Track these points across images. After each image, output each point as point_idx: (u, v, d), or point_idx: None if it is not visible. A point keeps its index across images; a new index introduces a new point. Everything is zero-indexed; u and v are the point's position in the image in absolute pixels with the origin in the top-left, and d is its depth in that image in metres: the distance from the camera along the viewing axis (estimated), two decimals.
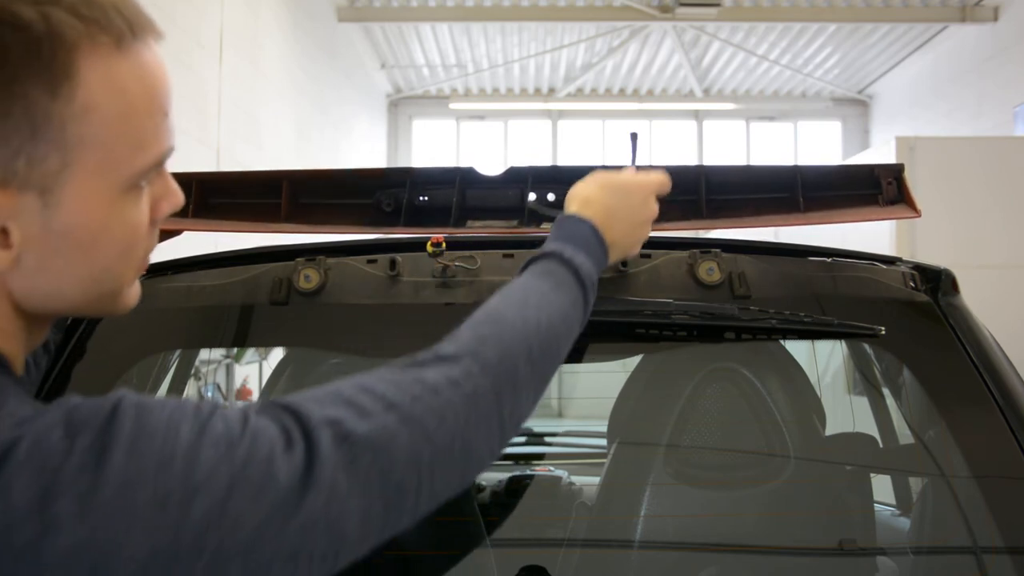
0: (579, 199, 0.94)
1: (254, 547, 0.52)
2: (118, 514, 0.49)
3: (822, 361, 1.47)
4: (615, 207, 0.94)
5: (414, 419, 0.61)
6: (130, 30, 0.58)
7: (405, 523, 0.62)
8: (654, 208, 0.98)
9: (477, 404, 0.65)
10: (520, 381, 0.70)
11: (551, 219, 1.17)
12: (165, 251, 1.29)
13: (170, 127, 0.63)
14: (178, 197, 0.68)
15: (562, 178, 1.20)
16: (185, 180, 1.22)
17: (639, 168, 1.03)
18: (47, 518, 0.48)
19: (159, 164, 0.63)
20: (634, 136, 1.14)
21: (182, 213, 1.21)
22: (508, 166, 1.21)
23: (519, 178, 1.21)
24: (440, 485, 0.63)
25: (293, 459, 0.55)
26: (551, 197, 1.20)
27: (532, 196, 1.21)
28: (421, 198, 1.21)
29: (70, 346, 1.15)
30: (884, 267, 1.23)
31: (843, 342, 1.40)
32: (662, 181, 0.99)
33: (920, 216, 1.17)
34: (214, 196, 1.24)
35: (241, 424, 0.55)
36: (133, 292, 0.67)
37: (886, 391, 1.47)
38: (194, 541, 0.50)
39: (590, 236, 0.90)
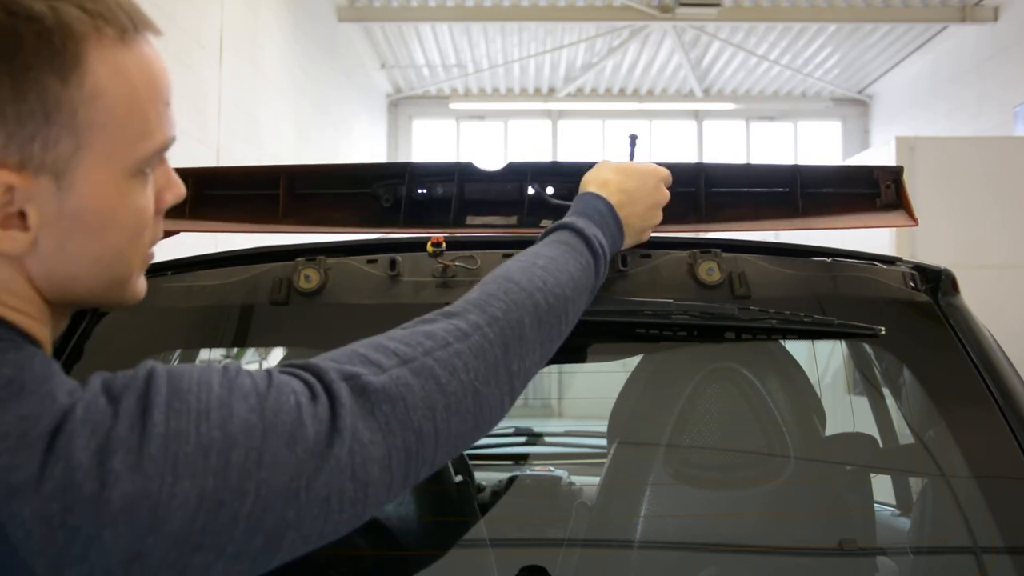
0: (596, 181, 0.99)
1: (292, 492, 0.57)
2: (166, 465, 0.53)
3: (822, 361, 1.47)
4: (631, 189, 0.99)
5: (426, 370, 0.66)
6: (132, 24, 0.62)
7: (426, 471, 0.67)
8: (666, 194, 1.04)
9: (484, 355, 0.70)
10: (527, 336, 0.74)
11: (555, 210, 1.17)
12: (165, 251, 1.29)
13: (171, 117, 0.67)
14: (180, 188, 0.71)
15: (561, 173, 1.20)
16: (182, 175, 1.22)
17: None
18: (105, 472, 0.52)
19: (162, 150, 0.66)
20: (633, 137, 1.16)
21: (179, 210, 1.21)
22: (507, 161, 1.21)
23: (518, 173, 1.21)
24: (456, 434, 0.67)
25: (318, 410, 0.60)
26: (550, 190, 1.20)
27: (531, 190, 1.21)
28: (420, 190, 1.21)
29: (69, 347, 1.15)
30: (884, 267, 1.23)
31: (843, 342, 1.40)
32: (667, 173, 1.06)
33: (917, 225, 1.17)
34: (212, 191, 1.24)
35: (266, 380, 0.60)
36: (141, 283, 0.70)
37: (886, 391, 1.47)
38: (237, 486, 0.55)
39: (605, 212, 0.95)
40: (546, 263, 0.81)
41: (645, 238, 1.05)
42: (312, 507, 0.58)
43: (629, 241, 1.01)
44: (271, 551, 0.57)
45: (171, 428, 0.54)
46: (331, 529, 0.60)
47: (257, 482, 0.55)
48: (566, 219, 0.92)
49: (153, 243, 0.70)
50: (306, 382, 0.61)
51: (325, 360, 0.64)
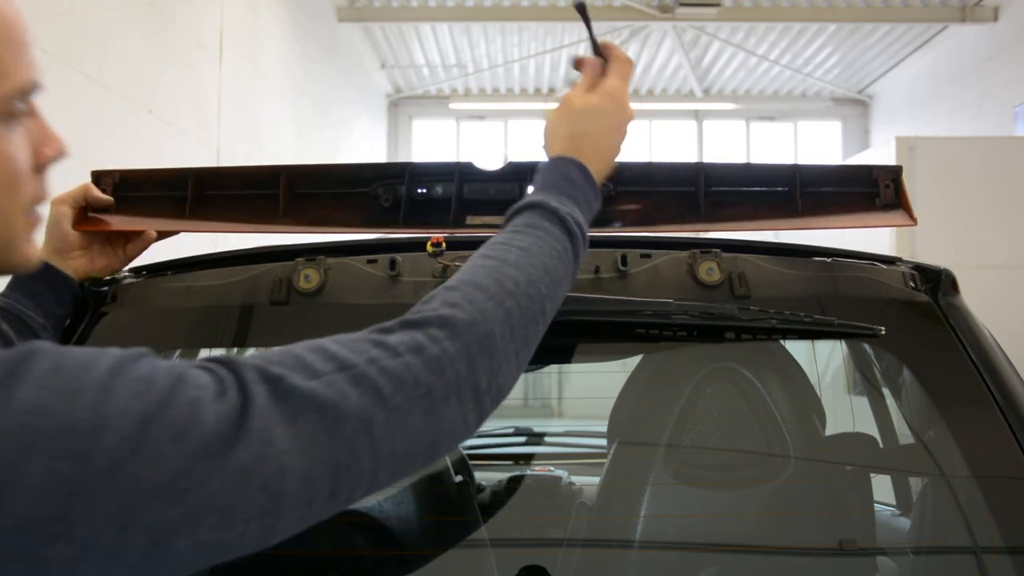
0: (557, 137, 0.89)
1: (176, 491, 0.51)
2: (20, 442, 0.49)
3: (822, 361, 1.47)
4: (594, 130, 0.89)
5: (367, 379, 0.60)
6: None
7: (363, 489, 0.60)
8: (630, 111, 0.92)
9: (443, 371, 0.63)
10: (497, 349, 0.67)
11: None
12: (165, 251, 1.29)
13: (31, 61, 0.64)
14: (59, 143, 0.68)
15: None
16: (182, 175, 1.22)
17: (598, 48, 0.94)
18: None
19: (23, 92, 0.64)
20: (581, 7, 0.98)
21: (179, 210, 1.21)
22: (507, 161, 1.21)
23: (518, 172, 1.21)
24: (403, 452, 0.61)
25: (223, 407, 0.54)
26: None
27: (531, 189, 1.20)
28: (420, 190, 1.21)
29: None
30: (884, 267, 1.23)
31: (843, 342, 1.40)
32: (626, 67, 0.93)
33: (916, 224, 1.17)
34: (211, 191, 1.24)
35: (170, 370, 0.55)
36: (30, 248, 0.67)
37: (886, 391, 1.47)
38: (102, 473, 0.50)
39: (577, 178, 0.85)
40: (517, 258, 0.74)
41: (614, 162, 0.93)
42: (206, 513, 0.52)
43: (602, 179, 0.89)
44: (160, 556, 0.52)
45: (36, 404, 0.50)
46: (236, 540, 0.54)
47: (130, 474, 0.50)
48: (536, 196, 0.82)
49: (37, 203, 0.66)
50: (219, 378, 0.56)
51: (255, 358, 0.59)
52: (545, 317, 0.74)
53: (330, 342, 0.63)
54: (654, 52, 10.27)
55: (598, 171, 0.87)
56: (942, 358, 1.14)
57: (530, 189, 1.20)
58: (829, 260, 1.22)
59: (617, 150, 0.92)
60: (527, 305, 0.71)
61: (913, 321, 1.19)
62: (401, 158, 11.48)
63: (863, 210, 1.21)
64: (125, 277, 1.25)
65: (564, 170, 0.85)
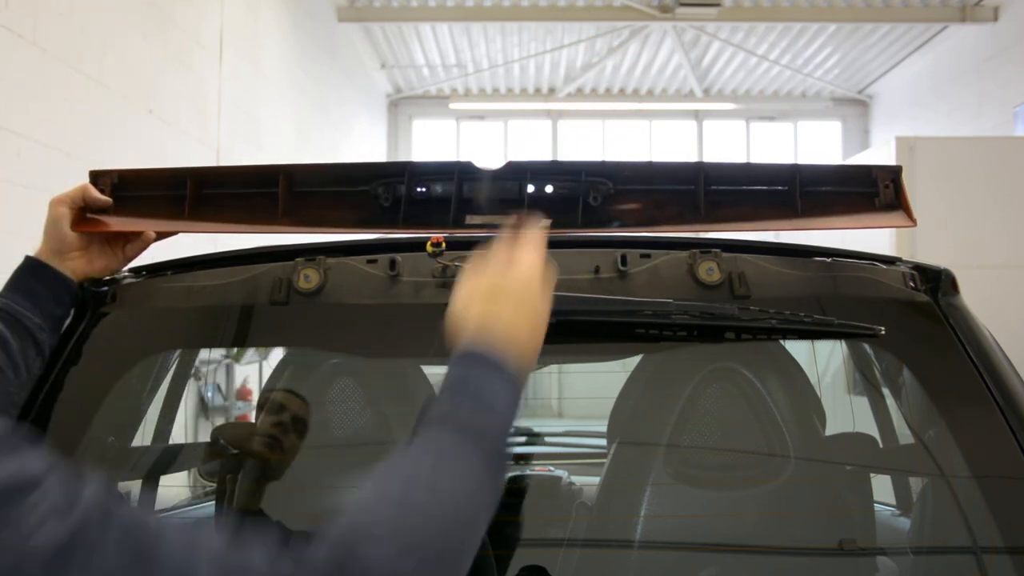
0: (466, 320, 0.77)
1: None
2: None
3: (822, 361, 1.47)
4: (505, 315, 0.77)
5: None
6: None
7: None
8: (546, 301, 0.82)
9: None
10: None
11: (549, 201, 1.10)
12: (165, 251, 1.29)
13: None
14: None
15: (560, 172, 1.20)
16: (182, 175, 1.22)
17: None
18: None
19: None
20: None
21: (178, 210, 1.21)
22: (507, 160, 1.21)
23: (518, 172, 1.21)
24: None
25: (60, 531, 0.52)
26: (549, 189, 1.19)
27: (531, 188, 1.20)
28: (419, 189, 1.21)
29: (68, 348, 1.14)
30: (884, 267, 1.23)
31: (843, 342, 1.40)
32: (538, 239, 0.85)
33: (915, 225, 1.17)
34: (210, 191, 1.24)
35: (34, 475, 0.53)
36: None
37: (886, 391, 1.47)
38: None
39: (497, 382, 0.72)
40: (424, 505, 0.63)
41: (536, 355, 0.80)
42: None
43: (523, 370, 0.76)
44: None
45: None
46: None
47: None
48: (443, 408, 0.70)
49: None
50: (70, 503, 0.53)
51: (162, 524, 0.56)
52: (467, 553, 0.64)
53: (219, 548, 0.57)
54: (654, 52, 10.27)
55: (519, 360, 0.75)
56: (942, 358, 1.14)
57: (530, 188, 1.21)
58: (829, 260, 1.22)
59: (540, 331, 0.80)
60: (440, 555, 0.62)
61: (913, 321, 1.19)
62: (401, 158, 11.48)
63: (863, 210, 1.21)
64: (125, 277, 1.25)
65: (476, 372, 0.73)
